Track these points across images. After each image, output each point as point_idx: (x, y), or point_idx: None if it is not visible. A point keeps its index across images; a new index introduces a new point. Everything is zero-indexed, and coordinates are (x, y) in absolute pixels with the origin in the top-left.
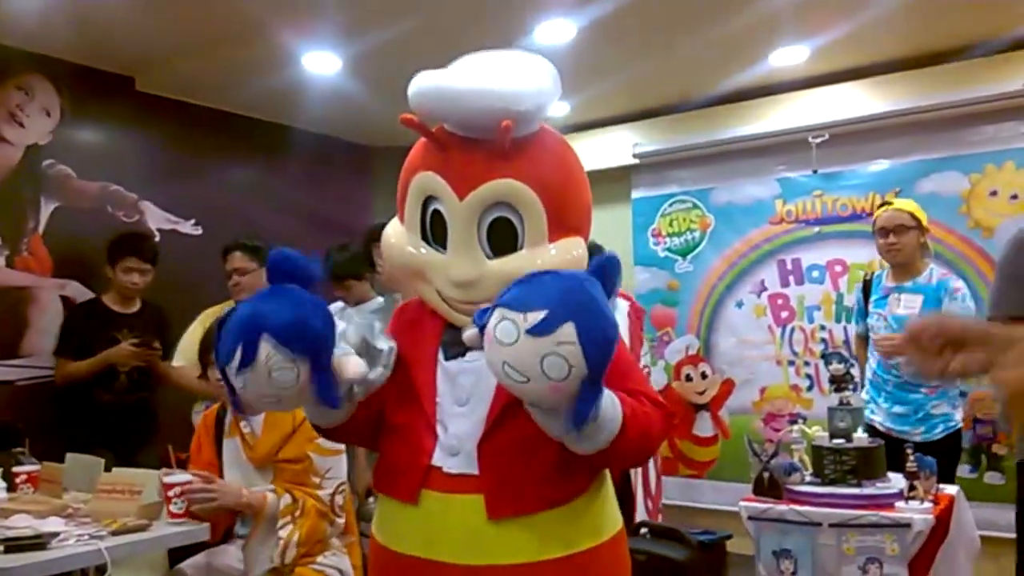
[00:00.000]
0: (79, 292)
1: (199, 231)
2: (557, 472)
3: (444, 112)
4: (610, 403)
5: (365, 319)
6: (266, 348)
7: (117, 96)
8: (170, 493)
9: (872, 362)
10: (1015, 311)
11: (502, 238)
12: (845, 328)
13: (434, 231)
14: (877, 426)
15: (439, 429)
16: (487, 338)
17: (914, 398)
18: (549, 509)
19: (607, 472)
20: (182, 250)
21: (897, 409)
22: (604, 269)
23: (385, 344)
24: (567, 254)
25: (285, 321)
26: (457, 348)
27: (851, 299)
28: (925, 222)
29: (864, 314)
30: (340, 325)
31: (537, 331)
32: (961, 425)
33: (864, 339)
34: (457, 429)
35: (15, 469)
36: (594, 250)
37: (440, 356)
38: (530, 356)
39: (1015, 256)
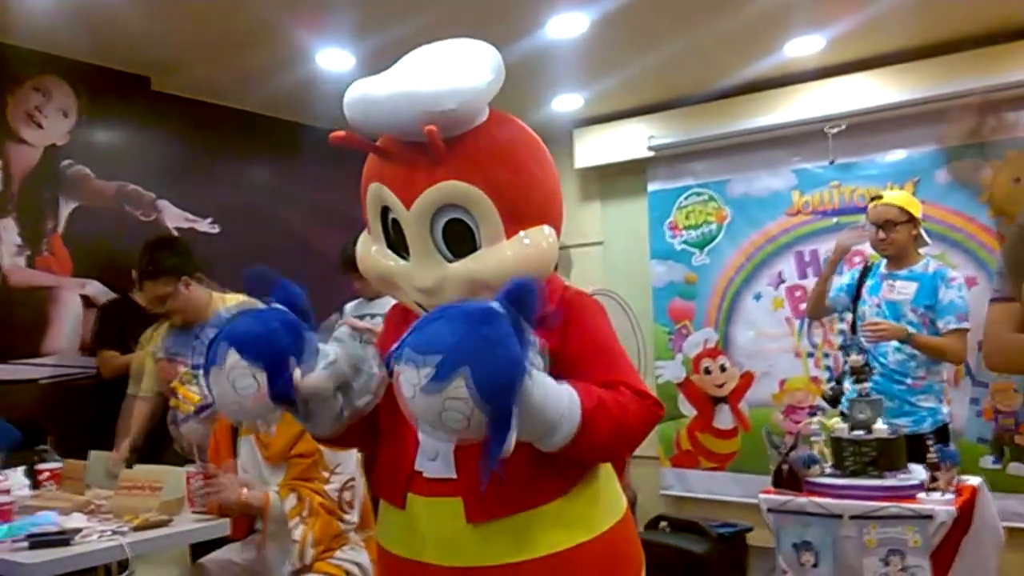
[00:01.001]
0: (99, 291)
1: (216, 229)
2: (537, 474)
3: (371, 121)
4: (556, 399)
5: (358, 346)
6: (232, 356)
7: (133, 96)
8: (193, 487)
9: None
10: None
11: (460, 239)
12: None
13: (397, 239)
14: None
15: (420, 434)
16: (396, 385)
17: (899, 390)
18: (529, 510)
19: (604, 466)
20: (199, 249)
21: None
22: (514, 297)
23: (376, 371)
24: (533, 246)
25: (251, 335)
26: None
27: None
28: (918, 214)
29: (854, 293)
30: (331, 348)
31: (429, 388)
32: (949, 420)
33: (824, 306)
34: None
35: (39, 466)
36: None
37: None
38: (428, 410)
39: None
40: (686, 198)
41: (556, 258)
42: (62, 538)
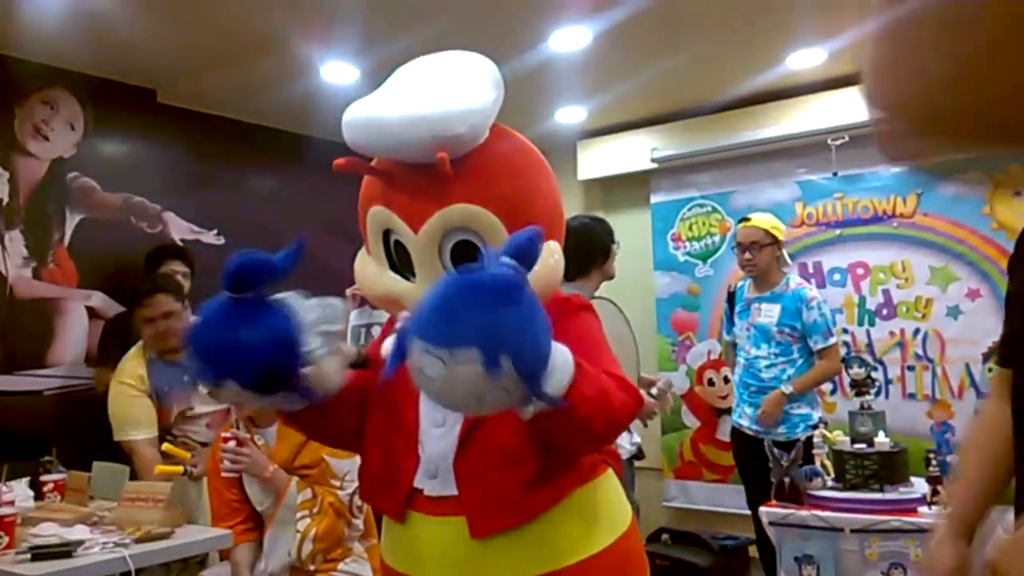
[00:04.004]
0: (105, 303)
1: (221, 241)
2: (536, 480)
3: (375, 145)
4: (556, 352)
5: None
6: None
7: (139, 109)
8: (225, 447)
9: (739, 369)
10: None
11: (468, 259)
12: (868, 332)
13: (401, 259)
14: (744, 430)
15: (420, 450)
16: (413, 371)
17: None
18: (533, 520)
19: (607, 477)
20: (205, 260)
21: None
22: (522, 254)
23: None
24: (542, 265)
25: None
26: None
27: (872, 302)
28: (782, 237)
29: (731, 323)
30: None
31: (469, 372)
32: (821, 420)
33: (733, 346)
34: (433, 451)
35: (42, 478)
36: (595, 225)
37: None
38: (465, 392)
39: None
40: (689, 210)
41: (562, 273)
42: (65, 550)
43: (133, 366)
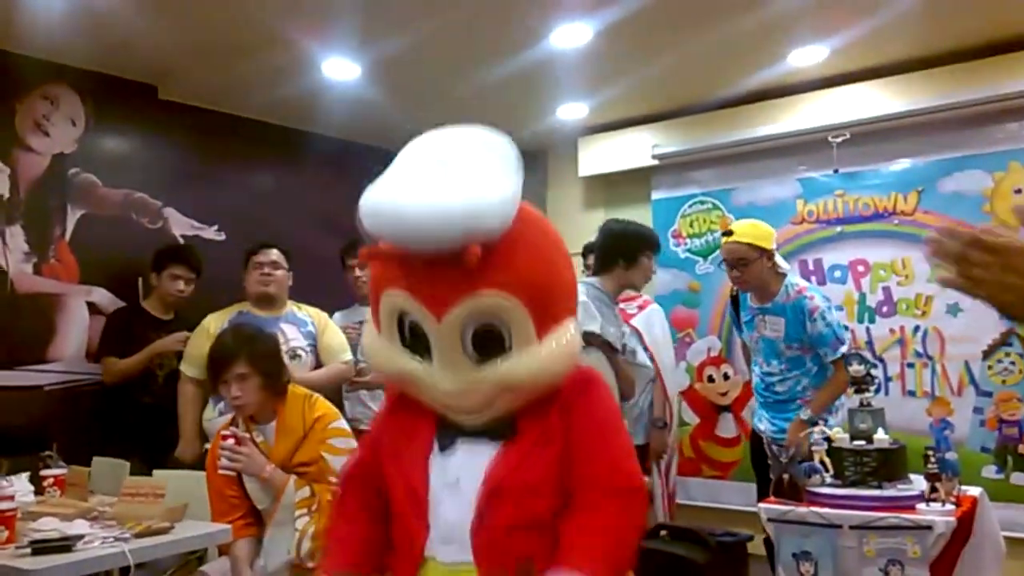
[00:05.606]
0: (105, 298)
1: (222, 237)
2: (553, 539)
3: (402, 237)
4: None
5: None
6: None
7: (140, 104)
8: (223, 444)
9: (755, 378)
10: None
11: (489, 342)
12: (868, 329)
13: (415, 339)
14: (761, 434)
15: (431, 518)
16: None
17: (793, 408)
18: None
19: None
20: (206, 256)
21: (777, 422)
22: None
23: None
24: (559, 346)
25: None
26: (451, 438)
27: (872, 299)
28: (770, 246)
29: (740, 328)
30: None
31: None
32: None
33: (744, 346)
34: (448, 516)
35: (43, 473)
36: (630, 232)
37: (435, 446)
38: None
39: None
40: (690, 206)
41: (577, 350)
42: (65, 544)
43: (223, 314)
